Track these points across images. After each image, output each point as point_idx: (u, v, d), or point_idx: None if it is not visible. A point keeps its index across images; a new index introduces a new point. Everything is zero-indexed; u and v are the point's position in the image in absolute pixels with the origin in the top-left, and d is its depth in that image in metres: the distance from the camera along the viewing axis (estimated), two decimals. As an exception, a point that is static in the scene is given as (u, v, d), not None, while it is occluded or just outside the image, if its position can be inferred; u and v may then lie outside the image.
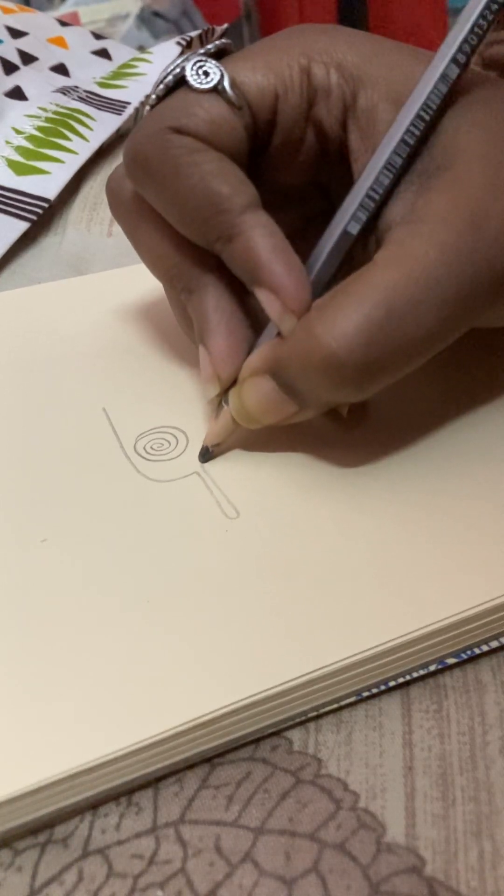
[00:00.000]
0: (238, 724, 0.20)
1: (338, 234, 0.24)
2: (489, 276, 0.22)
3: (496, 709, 0.21)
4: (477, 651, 0.22)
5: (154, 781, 0.20)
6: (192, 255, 0.25)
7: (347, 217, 0.24)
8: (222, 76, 0.24)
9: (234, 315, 0.25)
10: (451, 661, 0.22)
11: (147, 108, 0.25)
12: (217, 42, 0.25)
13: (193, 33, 0.55)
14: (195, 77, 0.24)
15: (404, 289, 0.21)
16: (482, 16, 0.23)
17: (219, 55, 0.25)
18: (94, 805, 0.20)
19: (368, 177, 0.23)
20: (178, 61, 0.24)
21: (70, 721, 0.19)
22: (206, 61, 0.24)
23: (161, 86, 0.25)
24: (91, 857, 0.19)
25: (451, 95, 0.23)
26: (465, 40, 0.23)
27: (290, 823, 0.19)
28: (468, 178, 0.22)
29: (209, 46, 0.25)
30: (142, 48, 0.61)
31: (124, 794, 0.20)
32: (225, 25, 0.59)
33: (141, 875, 0.19)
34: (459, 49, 0.23)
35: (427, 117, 0.23)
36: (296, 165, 0.26)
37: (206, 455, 0.26)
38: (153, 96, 0.25)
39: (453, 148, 0.23)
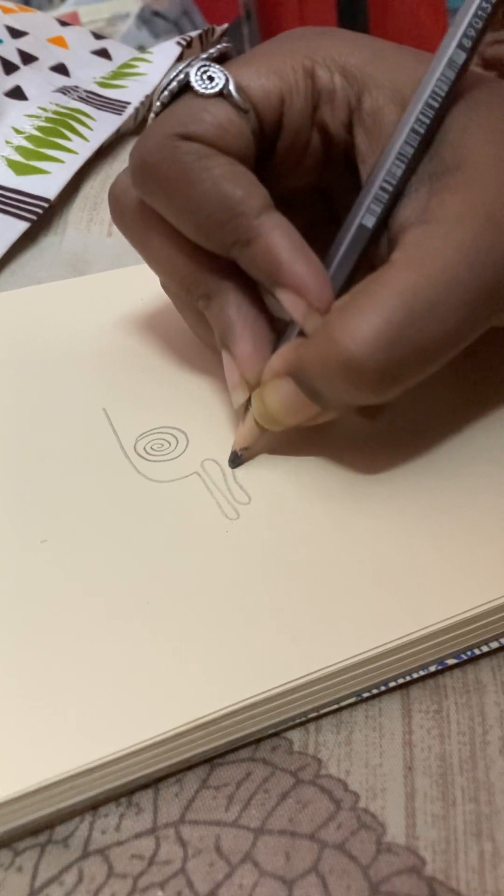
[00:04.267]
0: (238, 724, 0.20)
1: (353, 228, 0.24)
2: None
3: (496, 709, 0.21)
4: (477, 652, 0.22)
5: (154, 782, 0.20)
6: (206, 261, 0.25)
7: (362, 210, 0.24)
8: (227, 80, 0.23)
9: (258, 318, 0.25)
10: (451, 661, 0.22)
11: (152, 115, 0.25)
12: (219, 46, 0.25)
13: (193, 33, 0.55)
14: (200, 82, 0.23)
15: (423, 290, 0.21)
16: None
17: (221, 59, 0.25)
18: (94, 805, 0.20)
19: (381, 169, 0.23)
20: (182, 67, 0.24)
21: (70, 722, 0.19)
22: (209, 66, 0.24)
23: (165, 92, 0.24)
24: (91, 857, 0.19)
25: (457, 92, 0.24)
26: (470, 24, 0.23)
27: (290, 824, 0.19)
28: (481, 179, 0.22)
29: (211, 51, 0.24)
30: (142, 48, 0.61)
31: (124, 794, 0.20)
32: (225, 25, 0.59)
33: (141, 875, 0.19)
34: (464, 34, 0.23)
35: (436, 105, 0.23)
36: (301, 169, 0.26)
37: (236, 460, 0.26)
38: (157, 103, 0.24)
39: (462, 149, 0.23)
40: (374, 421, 0.25)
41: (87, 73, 0.54)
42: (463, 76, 0.24)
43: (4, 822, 0.19)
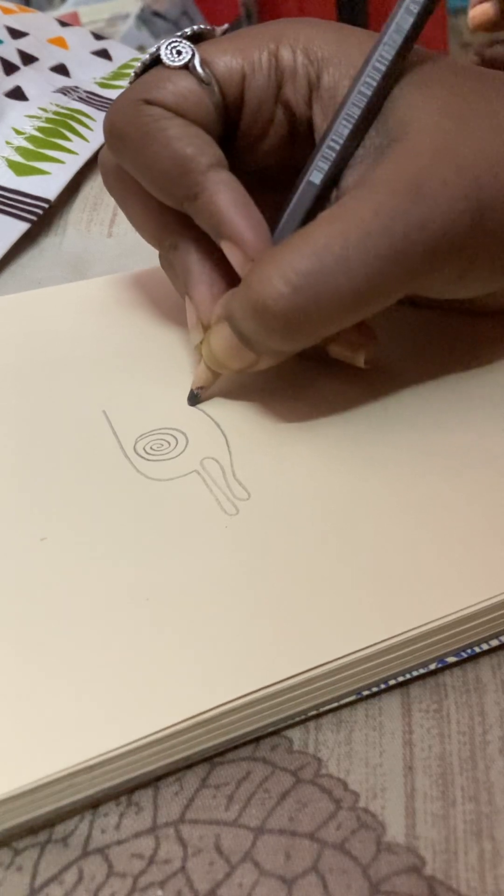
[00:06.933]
0: (238, 722, 0.20)
1: (302, 184, 0.25)
2: (423, 237, 0.23)
3: (496, 708, 0.21)
4: (477, 650, 0.22)
5: (154, 781, 0.20)
6: (173, 215, 0.27)
7: (310, 168, 0.25)
8: (193, 55, 0.26)
9: (217, 266, 0.27)
10: (451, 659, 0.22)
11: (127, 84, 0.27)
12: (194, 27, 0.27)
13: (193, 33, 0.55)
14: (168, 56, 0.26)
15: (335, 244, 0.22)
16: None
17: (196, 39, 0.27)
18: (93, 804, 0.20)
19: (329, 130, 0.25)
20: (158, 43, 0.26)
21: (69, 719, 0.19)
22: (180, 42, 0.26)
23: (140, 64, 0.27)
24: (91, 856, 0.19)
25: (405, 65, 0.25)
26: None
27: (290, 823, 0.19)
28: (416, 147, 0.24)
29: (186, 30, 0.27)
30: (142, 48, 0.61)
31: (124, 793, 0.20)
32: (225, 25, 0.59)
33: (141, 874, 0.19)
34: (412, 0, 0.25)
35: (382, 67, 0.24)
36: (268, 145, 0.28)
37: (194, 399, 0.28)
38: (132, 74, 0.27)
39: (408, 121, 0.24)
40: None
41: (88, 73, 0.54)
42: (411, 42, 0.25)
43: (4, 820, 0.19)
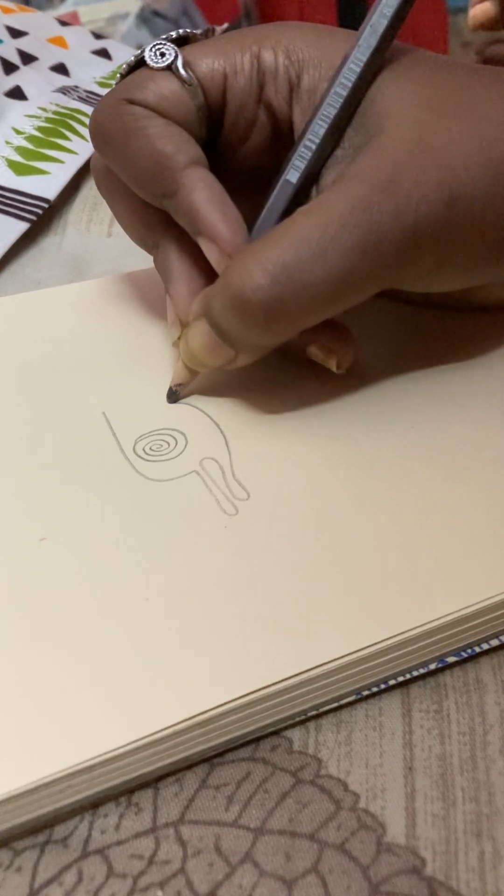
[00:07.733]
0: (237, 722, 0.20)
1: (279, 183, 0.26)
2: (397, 227, 0.23)
3: (496, 709, 0.21)
4: (477, 649, 0.22)
5: (154, 781, 0.20)
6: (156, 214, 0.28)
7: (288, 167, 0.26)
8: (176, 57, 0.26)
9: (195, 264, 0.27)
10: (451, 659, 0.22)
11: (113, 84, 0.28)
12: (180, 30, 0.27)
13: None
14: (152, 57, 0.26)
15: (313, 236, 0.23)
16: None
17: (181, 42, 0.27)
18: (93, 805, 0.20)
19: (305, 129, 0.25)
20: (145, 46, 0.27)
21: (69, 719, 0.19)
22: (164, 44, 0.26)
23: (125, 66, 0.27)
24: (91, 857, 0.19)
25: (382, 61, 0.25)
26: None
27: (290, 824, 0.19)
28: (392, 141, 0.24)
29: (171, 33, 0.27)
30: (141, 48, 0.61)
31: (124, 793, 0.20)
32: (225, 25, 0.59)
33: (141, 875, 0.19)
34: (386, 2, 0.25)
35: (357, 68, 0.25)
36: (252, 146, 0.28)
37: (173, 396, 0.28)
38: (118, 75, 0.28)
39: (385, 116, 0.25)
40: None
41: (88, 73, 0.54)
42: (387, 43, 0.25)
43: (4, 820, 0.19)
